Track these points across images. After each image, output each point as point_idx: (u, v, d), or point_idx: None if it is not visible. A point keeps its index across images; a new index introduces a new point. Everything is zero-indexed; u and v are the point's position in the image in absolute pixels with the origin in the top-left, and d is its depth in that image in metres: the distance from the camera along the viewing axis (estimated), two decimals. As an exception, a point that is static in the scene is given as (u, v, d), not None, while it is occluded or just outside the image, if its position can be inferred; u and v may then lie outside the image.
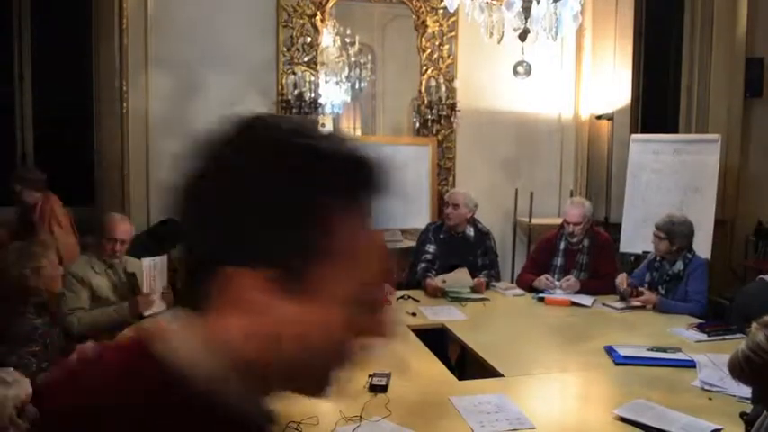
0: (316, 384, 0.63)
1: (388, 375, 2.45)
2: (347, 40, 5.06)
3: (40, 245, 2.95)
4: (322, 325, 0.59)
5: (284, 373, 0.61)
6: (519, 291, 4.07)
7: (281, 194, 0.56)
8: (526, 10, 3.35)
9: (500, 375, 2.66)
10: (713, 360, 2.69)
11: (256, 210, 0.56)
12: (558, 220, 4.42)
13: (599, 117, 5.59)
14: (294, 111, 5.02)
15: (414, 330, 3.19)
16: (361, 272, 0.60)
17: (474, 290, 3.94)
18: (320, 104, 5.07)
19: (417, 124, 5.33)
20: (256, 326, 0.58)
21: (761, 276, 3.32)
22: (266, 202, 0.56)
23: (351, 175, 0.60)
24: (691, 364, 2.73)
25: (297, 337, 0.59)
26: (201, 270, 0.59)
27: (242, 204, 0.57)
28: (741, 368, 1.68)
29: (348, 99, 5.24)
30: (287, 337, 0.58)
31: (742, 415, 2.02)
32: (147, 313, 3.36)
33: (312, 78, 5.02)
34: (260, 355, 0.59)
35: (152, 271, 3.43)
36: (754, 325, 1.71)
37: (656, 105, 6.09)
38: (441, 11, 5.16)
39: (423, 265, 4.13)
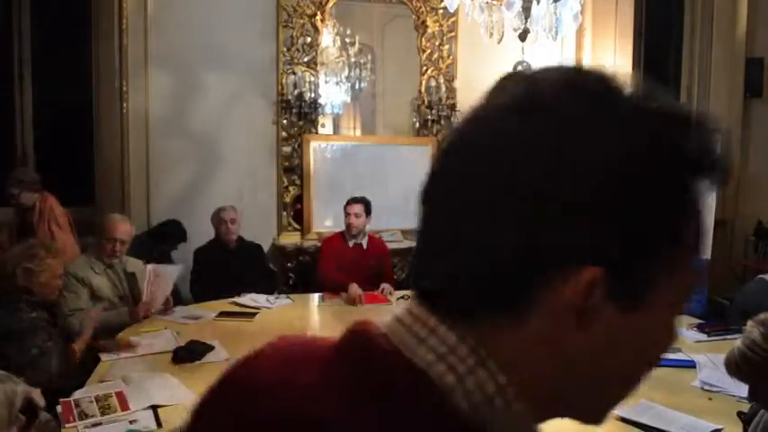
0: (601, 409, 0.51)
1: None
2: (347, 40, 5.06)
3: (42, 247, 2.93)
4: (648, 338, 0.48)
5: (580, 396, 0.49)
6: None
7: (645, 173, 0.45)
8: (526, 10, 3.35)
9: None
10: (713, 360, 2.68)
11: (609, 191, 0.44)
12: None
13: (599, 117, 5.59)
14: (294, 111, 5.03)
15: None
16: (693, 272, 0.49)
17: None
18: (320, 104, 5.08)
19: (417, 124, 5.34)
20: (573, 338, 0.45)
21: (760, 276, 3.31)
22: (626, 182, 0.44)
23: (709, 151, 0.48)
24: (691, 364, 2.73)
25: (619, 353, 0.47)
26: (512, 270, 0.45)
27: (600, 184, 0.44)
28: (738, 365, 1.67)
29: (348, 99, 5.24)
30: (606, 353, 0.47)
31: (740, 414, 2.01)
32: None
33: (312, 78, 5.03)
34: (561, 375, 0.47)
35: (153, 276, 3.42)
36: (749, 323, 1.70)
37: (656, 105, 6.08)
38: (441, 11, 5.16)
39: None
